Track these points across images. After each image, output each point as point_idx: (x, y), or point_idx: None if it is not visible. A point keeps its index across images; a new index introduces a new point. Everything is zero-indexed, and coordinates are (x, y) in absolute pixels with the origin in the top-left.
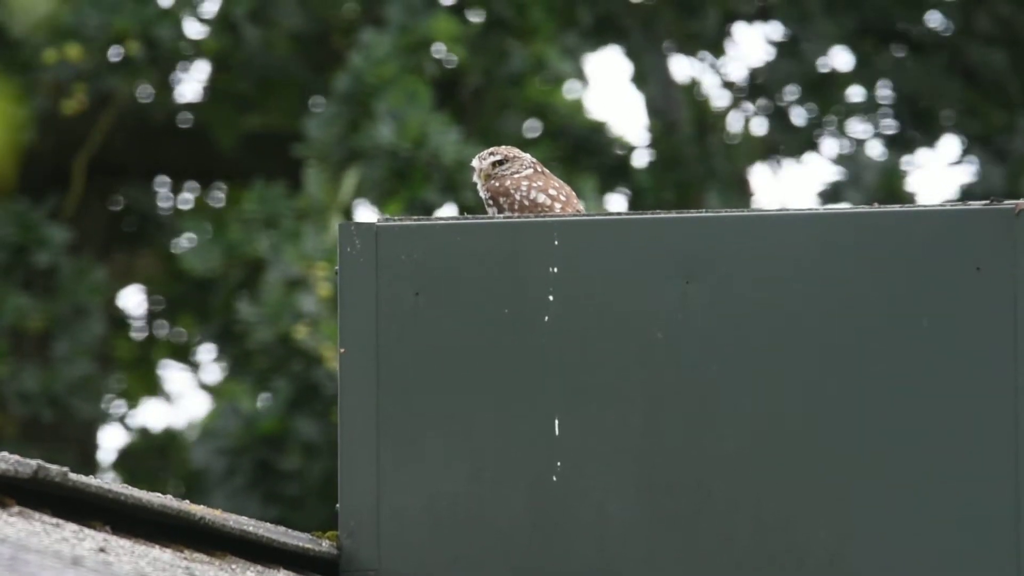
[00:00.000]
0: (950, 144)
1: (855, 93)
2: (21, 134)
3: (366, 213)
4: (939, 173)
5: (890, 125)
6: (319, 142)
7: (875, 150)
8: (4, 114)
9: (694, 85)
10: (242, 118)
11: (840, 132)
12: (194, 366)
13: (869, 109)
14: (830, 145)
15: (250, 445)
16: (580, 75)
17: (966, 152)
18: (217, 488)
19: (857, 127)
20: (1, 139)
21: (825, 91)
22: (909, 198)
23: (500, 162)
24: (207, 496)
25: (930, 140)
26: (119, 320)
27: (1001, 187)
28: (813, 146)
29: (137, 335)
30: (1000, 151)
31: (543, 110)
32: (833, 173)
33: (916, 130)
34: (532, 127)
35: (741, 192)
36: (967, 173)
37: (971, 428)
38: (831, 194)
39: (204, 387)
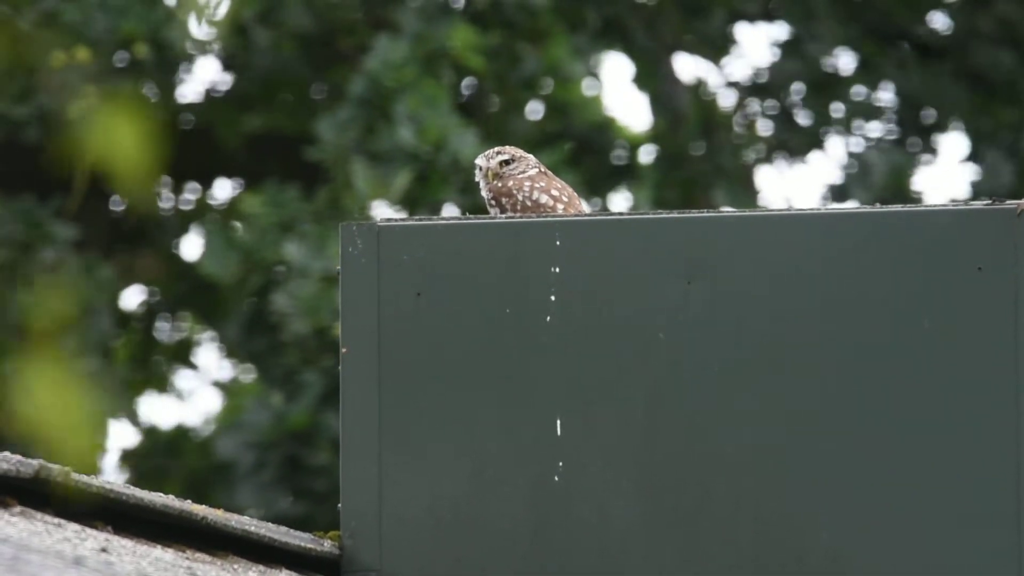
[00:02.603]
0: (954, 144)
1: (859, 94)
2: (154, 144)
3: (386, 215)
4: (946, 171)
5: (893, 130)
6: (332, 145)
7: (880, 150)
8: (133, 126)
9: (700, 85)
10: (246, 117)
11: (846, 130)
12: (195, 367)
13: (872, 112)
14: (836, 143)
15: (280, 440)
16: (594, 76)
17: (975, 150)
18: (243, 482)
19: (864, 125)
20: (134, 151)
21: (829, 91)
22: (916, 197)
23: (507, 161)
24: (232, 490)
25: (932, 143)
26: (124, 319)
27: (1011, 185)
28: (819, 144)
29: (140, 334)
30: (1011, 148)
31: (565, 109)
32: (839, 171)
33: (919, 135)
34: (554, 130)
35: (747, 189)
36: (975, 171)
37: (972, 428)
38: (838, 192)
39: (218, 384)
